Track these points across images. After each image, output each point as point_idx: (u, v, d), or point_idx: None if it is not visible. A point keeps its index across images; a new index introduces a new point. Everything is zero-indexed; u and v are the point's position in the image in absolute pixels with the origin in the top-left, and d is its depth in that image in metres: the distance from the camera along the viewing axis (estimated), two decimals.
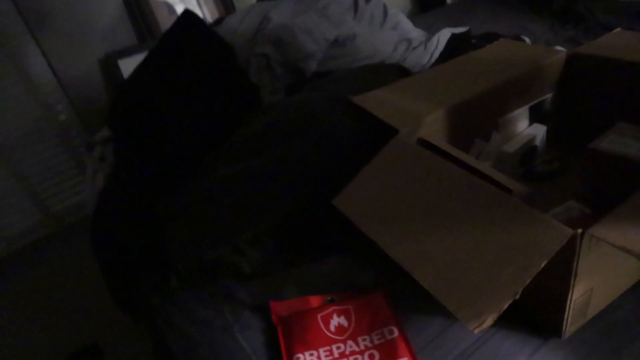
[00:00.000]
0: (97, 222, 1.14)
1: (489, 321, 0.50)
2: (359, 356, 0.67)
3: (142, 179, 1.07)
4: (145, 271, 0.94)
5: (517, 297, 0.49)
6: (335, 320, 0.72)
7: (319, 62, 1.26)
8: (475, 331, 0.50)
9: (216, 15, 1.99)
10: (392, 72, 1.10)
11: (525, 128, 0.96)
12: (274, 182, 0.88)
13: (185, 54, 1.16)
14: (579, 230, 0.50)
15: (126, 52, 1.87)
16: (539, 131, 0.95)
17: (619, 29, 0.97)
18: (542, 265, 0.50)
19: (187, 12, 1.22)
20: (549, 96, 0.96)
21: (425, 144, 0.77)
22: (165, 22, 1.96)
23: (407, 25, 1.41)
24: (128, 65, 1.85)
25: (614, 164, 0.74)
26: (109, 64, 1.87)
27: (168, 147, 1.05)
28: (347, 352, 0.68)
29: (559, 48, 1.11)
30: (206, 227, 0.88)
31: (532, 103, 0.94)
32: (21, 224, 1.97)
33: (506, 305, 0.50)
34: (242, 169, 0.89)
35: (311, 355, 0.68)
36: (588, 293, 0.60)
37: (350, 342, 0.69)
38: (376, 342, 0.68)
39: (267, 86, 1.20)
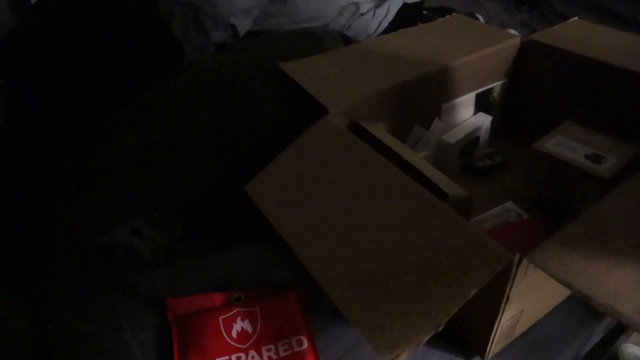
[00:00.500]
0: None
1: (404, 355, 0.42)
2: None
3: (33, 135, 0.91)
4: (29, 247, 0.80)
5: (439, 329, 0.42)
6: (239, 325, 0.63)
7: (254, 20, 1.13)
8: None
9: None
10: (332, 39, 0.98)
11: (469, 117, 0.88)
12: (184, 156, 0.76)
13: None
14: (517, 256, 0.43)
15: None
16: (484, 121, 0.88)
17: (576, 17, 0.91)
18: (473, 292, 0.42)
19: None
20: (498, 84, 0.88)
21: (357, 128, 0.68)
22: None
23: None
24: None
25: (557, 168, 0.68)
26: None
27: (67, 100, 0.90)
28: None
29: (512, 32, 1.04)
30: (100, 203, 0.75)
31: (480, 90, 0.86)
32: None
33: (425, 339, 0.42)
34: (147, 137, 0.77)
35: None
36: (517, 316, 0.54)
37: (252, 352, 0.60)
38: (282, 354, 0.60)
39: (193, 41, 1.05)
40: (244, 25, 1.11)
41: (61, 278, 0.75)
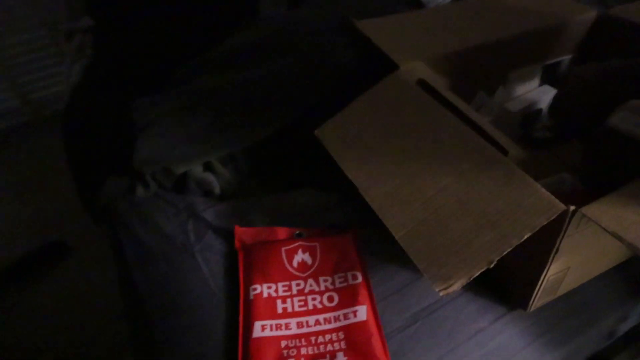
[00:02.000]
0: (68, 118, 1.07)
1: (456, 286, 0.47)
2: (317, 296, 0.64)
3: (121, 76, 0.99)
4: (113, 175, 0.89)
5: (491, 266, 0.46)
6: (300, 256, 0.69)
7: None
8: (441, 294, 0.47)
9: None
10: (403, 3, 1.01)
11: (534, 88, 0.89)
12: (259, 99, 0.82)
13: None
14: (572, 207, 0.46)
15: None
16: (548, 94, 0.89)
17: None
18: (525, 237, 0.46)
19: None
20: (567, 58, 0.89)
21: (425, 85, 0.71)
22: None
23: None
24: None
25: (621, 143, 0.69)
26: None
27: (153, 45, 0.97)
28: (305, 291, 0.65)
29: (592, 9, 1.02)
30: (180, 138, 0.82)
31: (548, 62, 0.87)
32: None
33: (477, 273, 0.46)
34: (226, 81, 0.83)
35: (269, 287, 0.65)
36: (564, 272, 0.57)
37: (311, 281, 0.66)
38: (337, 285, 0.65)
39: None
40: None
41: (139, 204, 0.84)
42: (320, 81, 0.82)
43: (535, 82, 0.89)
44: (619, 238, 0.43)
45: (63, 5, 1.81)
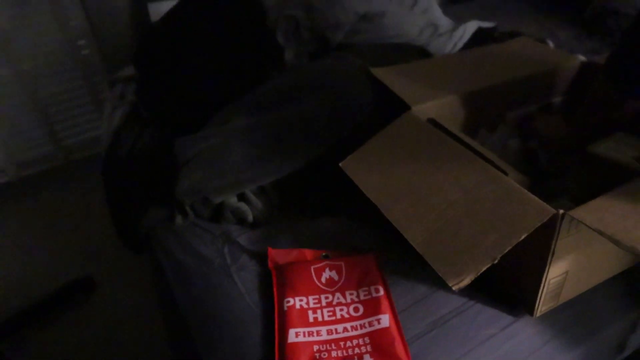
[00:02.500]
0: (110, 158, 1.19)
1: (467, 280, 0.55)
2: (344, 307, 0.72)
3: (162, 119, 1.12)
4: (153, 207, 0.99)
5: (496, 261, 0.54)
6: (327, 274, 0.77)
7: (345, 34, 1.29)
8: (454, 288, 0.55)
9: None
10: (414, 54, 1.13)
11: None
12: (288, 137, 0.92)
13: (218, 4, 1.19)
14: (561, 211, 0.55)
15: None
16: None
17: None
18: (523, 236, 0.55)
19: None
20: (558, 99, 0.99)
21: (434, 123, 0.81)
22: None
23: (436, 11, 1.43)
24: (157, 10, 1.88)
25: (607, 167, 0.78)
26: (139, 6, 1.89)
27: (191, 92, 1.09)
28: (334, 303, 0.73)
29: (580, 57, 1.14)
30: (218, 172, 0.92)
31: (542, 104, 0.97)
32: (32, 151, 2.02)
33: (484, 268, 0.54)
34: (259, 121, 0.94)
35: (301, 300, 0.73)
36: (563, 275, 0.65)
37: (338, 294, 0.74)
38: (362, 298, 0.73)
39: (292, 49, 1.23)
40: (335, 38, 1.28)
41: (179, 231, 0.93)
42: (342, 121, 0.93)
43: None
44: (601, 233, 0.51)
45: (99, 60, 1.99)
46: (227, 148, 0.93)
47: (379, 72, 0.93)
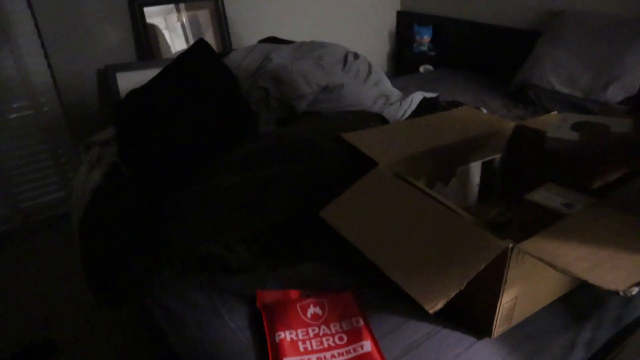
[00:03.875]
0: (89, 215, 1.24)
1: (440, 304, 0.67)
2: (330, 337, 0.81)
3: (143, 177, 1.20)
4: (137, 262, 1.05)
5: (462, 288, 0.67)
6: (312, 310, 0.86)
7: (309, 103, 1.45)
8: (430, 311, 0.66)
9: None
10: (373, 119, 1.30)
11: (478, 179, 1.17)
12: (267, 194, 1.03)
13: (197, 74, 1.32)
14: (510, 245, 0.69)
15: (126, 67, 2.00)
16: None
17: (555, 112, 1.22)
18: (482, 267, 0.68)
19: (202, 41, 1.39)
20: (498, 156, 1.18)
21: (399, 177, 0.96)
22: (165, 48, 2.12)
23: (387, 83, 1.64)
24: (125, 80, 1.99)
25: (541, 212, 0.95)
26: (107, 76, 1.99)
27: (173, 153, 1.19)
28: (320, 334, 0.82)
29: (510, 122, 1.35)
30: (203, 224, 1.01)
31: (485, 159, 1.15)
32: None
33: (453, 294, 0.67)
34: (240, 179, 1.05)
35: (291, 333, 0.82)
36: (514, 300, 0.78)
37: (323, 327, 0.83)
38: (345, 328, 0.83)
39: (263, 116, 1.37)
40: (300, 107, 1.43)
41: (167, 281, 1.00)
42: (313, 179, 1.05)
43: (478, 173, 1.17)
44: (543, 261, 0.65)
45: (63, 124, 2.04)
46: (213, 203, 1.02)
47: (348, 136, 1.07)
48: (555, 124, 1.01)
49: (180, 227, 1.02)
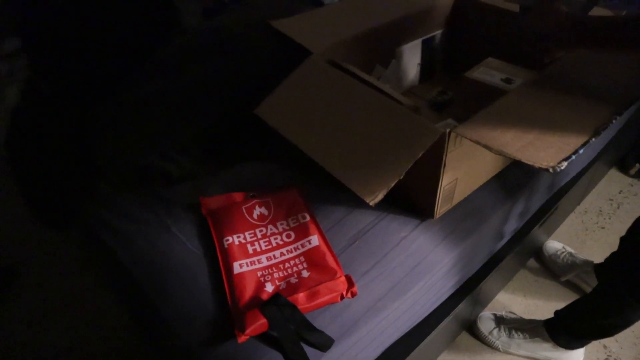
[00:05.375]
0: (14, 139, 1.15)
1: (380, 196, 0.67)
2: (278, 236, 0.82)
3: (65, 91, 1.10)
4: (72, 181, 0.99)
5: (401, 177, 0.66)
6: (257, 210, 0.86)
7: None
8: (371, 203, 0.66)
9: None
10: (306, 3, 1.20)
11: (418, 58, 1.13)
12: (199, 96, 0.97)
13: None
14: (448, 130, 0.68)
15: None
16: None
17: None
18: (420, 155, 0.67)
19: None
20: (439, 32, 1.13)
21: (334, 64, 0.90)
22: None
23: None
24: None
25: (480, 89, 0.93)
26: None
27: (90, 59, 1.08)
28: (268, 234, 0.82)
29: None
30: (136, 135, 0.95)
31: (424, 37, 1.10)
32: None
33: (393, 184, 0.66)
34: (170, 83, 0.97)
35: (238, 237, 0.81)
36: (454, 182, 0.79)
37: (270, 226, 0.84)
38: (292, 225, 0.83)
39: (187, 8, 1.24)
40: None
41: (109, 197, 0.96)
42: (248, 74, 0.99)
43: (418, 52, 1.13)
44: (478, 143, 0.65)
45: None
46: (141, 111, 0.95)
47: (278, 24, 0.99)
48: None
49: (113, 141, 0.96)
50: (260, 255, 0.79)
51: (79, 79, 1.08)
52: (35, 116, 1.11)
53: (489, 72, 0.96)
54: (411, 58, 1.11)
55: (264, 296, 0.72)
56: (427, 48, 1.13)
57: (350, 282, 0.74)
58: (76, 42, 1.10)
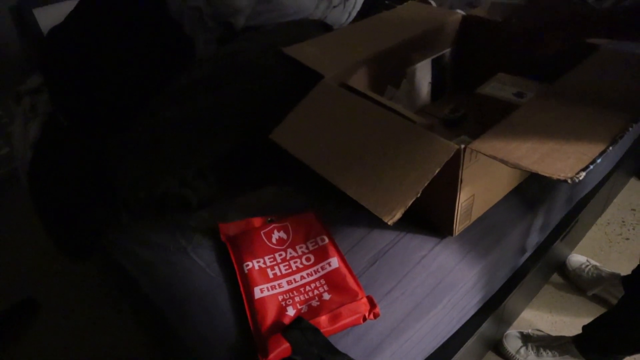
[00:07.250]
0: (35, 171, 1.18)
1: (398, 215, 0.67)
2: (297, 259, 0.82)
3: (83, 124, 1.12)
4: (93, 211, 1.01)
5: (419, 195, 0.66)
6: (276, 235, 0.86)
7: (247, 17, 1.35)
8: (389, 222, 0.66)
9: None
10: (315, 28, 1.23)
11: (429, 77, 1.14)
12: (215, 122, 0.98)
13: (118, 2, 1.20)
14: (462, 145, 0.68)
15: (41, 1, 1.81)
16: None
17: None
18: (436, 171, 0.67)
19: None
20: (447, 50, 1.14)
21: (347, 87, 0.92)
22: None
23: None
24: (44, 15, 1.80)
25: (493, 104, 0.94)
26: (22, 12, 1.80)
27: (109, 93, 1.11)
28: (287, 257, 0.82)
29: (459, 11, 1.29)
30: (155, 163, 0.97)
31: (434, 56, 1.11)
32: None
33: (410, 202, 0.66)
34: (186, 111, 0.99)
35: (258, 262, 0.82)
36: (471, 198, 0.79)
37: (290, 250, 0.84)
38: (311, 248, 0.83)
39: (201, 38, 1.27)
40: (238, 23, 1.33)
41: (129, 225, 0.97)
42: (263, 99, 1.00)
43: (428, 72, 1.13)
44: (494, 158, 0.65)
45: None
46: (159, 139, 0.97)
47: (290, 50, 1.01)
48: None
49: (132, 171, 0.97)
50: (280, 280, 0.79)
51: (97, 111, 1.11)
52: (56, 148, 1.14)
53: (500, 87, 0.96)
54: (422, 77, 1.12)
55: (286, 320, 0.72)
56: (438, 66, 1.14)
57: (372, 303, 0.74)
58: (94, 78, 1.13)
